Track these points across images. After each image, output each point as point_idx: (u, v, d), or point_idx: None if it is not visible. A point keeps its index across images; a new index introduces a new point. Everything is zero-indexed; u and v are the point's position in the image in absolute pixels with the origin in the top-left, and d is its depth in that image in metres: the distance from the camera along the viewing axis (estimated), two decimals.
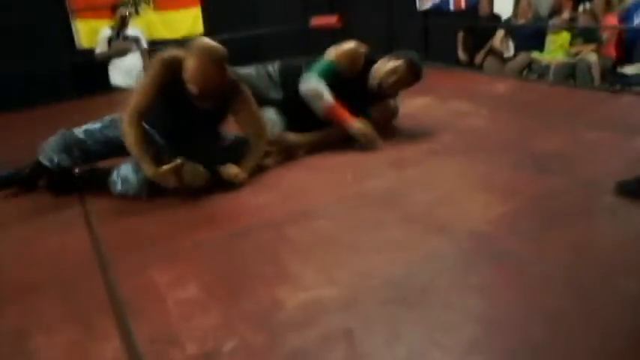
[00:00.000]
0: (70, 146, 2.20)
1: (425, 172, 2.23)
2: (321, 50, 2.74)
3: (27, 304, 1.46)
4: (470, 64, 6.50)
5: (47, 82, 5.17)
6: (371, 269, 1.47)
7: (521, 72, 5.75)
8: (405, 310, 1.29)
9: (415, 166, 2.30)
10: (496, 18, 6.52)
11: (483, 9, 6.49)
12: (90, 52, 5.08)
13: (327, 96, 2.56)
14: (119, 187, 2.17)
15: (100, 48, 4.93)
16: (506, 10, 7.26)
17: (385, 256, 1.54)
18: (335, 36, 5.41)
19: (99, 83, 4.90)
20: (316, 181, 2.21)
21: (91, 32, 5.36)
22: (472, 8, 7.06)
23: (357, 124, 2.57)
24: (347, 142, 2.56)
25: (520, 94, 3.50)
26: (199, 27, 5.76)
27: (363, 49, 2.68)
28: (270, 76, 2.75)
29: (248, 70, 2.70)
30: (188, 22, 5.33)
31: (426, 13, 7.27)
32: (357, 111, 2.65)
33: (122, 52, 4.83)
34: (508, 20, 6.18)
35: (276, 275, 1.48)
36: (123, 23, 4.84)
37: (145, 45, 5.03)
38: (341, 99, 2.61)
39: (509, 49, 5.86)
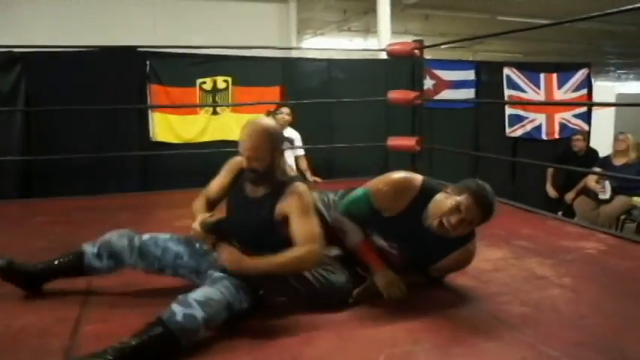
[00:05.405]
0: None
1: None
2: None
3: None
4: (559, 202, 5.93)
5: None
6: None
7: (618, 218, 5.13)
8: None
9: (463, 351, 1.81)
10: (593, 154, 5.99)
11: (578, 144, 5.99)
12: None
13: (352, 234, 2.26)
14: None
15: None
16: (606, 144, 6.74)
17: None
18: (415, 159, 5.15)
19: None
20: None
21: (166, 126, 5.59)
22: (566, 139, 6.61)
23: (379, 275, 2.19)
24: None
25: (617, 258, 2.89)
26: None
27: (415, 181, 2.23)
28: (327, 205, 2.44)
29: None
30: None
31: (515, 140, 6.88)
32: (417, 260, 2.28)
33: None
34: (606, 158, 5.60)
35: None
36: None
37: (299, 150, 5.31)
38: (391, 239, 2.26)
39: (606, 191, 5.25)
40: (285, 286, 2.06)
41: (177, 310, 1.73)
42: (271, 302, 2.14)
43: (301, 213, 2.05)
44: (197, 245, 2.22)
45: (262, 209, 2.11)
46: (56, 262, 2.21)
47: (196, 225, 2.09)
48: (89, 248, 2.19)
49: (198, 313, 1.74)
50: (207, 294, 1.82)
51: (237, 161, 2.25)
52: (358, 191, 2.32)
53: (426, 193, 2.20)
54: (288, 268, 2.00)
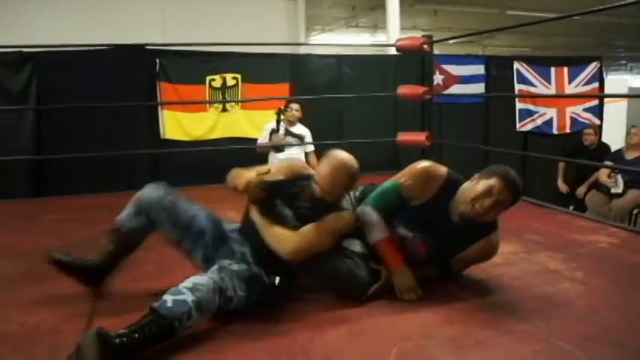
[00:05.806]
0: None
1: None
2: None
3: None
4: (570, 197, 5.89)
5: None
6: None
7: (630, 212, 5.09)
8: None
9: (476, 345, 1.81)
10: (604, 148, 5.94)
11: (589, 138, 5.94)
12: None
13: (378, 229, 2.23)
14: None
15: (262, 139, 5.16)
16: (617, 139, 6.68)
17: None
18: (425, 154, 5.12)
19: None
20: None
21: (176, 124, 5.57)
22: (577, 134, 6.55)
23: (398, 275, 2.20)
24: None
25: (629, 251, 2.87)
26: None
27: (441, 170, 2.27)
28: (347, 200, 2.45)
29: None
30: (272, 121, 5.22)
31: (526, 135, 6.83)
32: (441, 250, 2.29)
33: (280, 147, 4.98)
34: (618, 152, 5.56)
35: None
36: (278, 119, 4.97)
37: (309, 146, 5.24)
38: (416, 229, 2.26)
39: (618, 185, 5.20)
40: (312, 263, 2.11)
41: (168, 298, 1.78)
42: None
43: (324, 224, 2.13)
44: (221, 228, 2.23)
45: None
46: (109, 251, 2.21)
47: (253, 175, 2.13)
48: (123, 213, 2.23)
49: (188, 297, 1.78)
50: (195, 280, 1.86)
51: (301, 167, 2.39)
52: (386, 184, 2.35)
53: (451, 182, 2.25)
54: (269, 237, 2.11)
